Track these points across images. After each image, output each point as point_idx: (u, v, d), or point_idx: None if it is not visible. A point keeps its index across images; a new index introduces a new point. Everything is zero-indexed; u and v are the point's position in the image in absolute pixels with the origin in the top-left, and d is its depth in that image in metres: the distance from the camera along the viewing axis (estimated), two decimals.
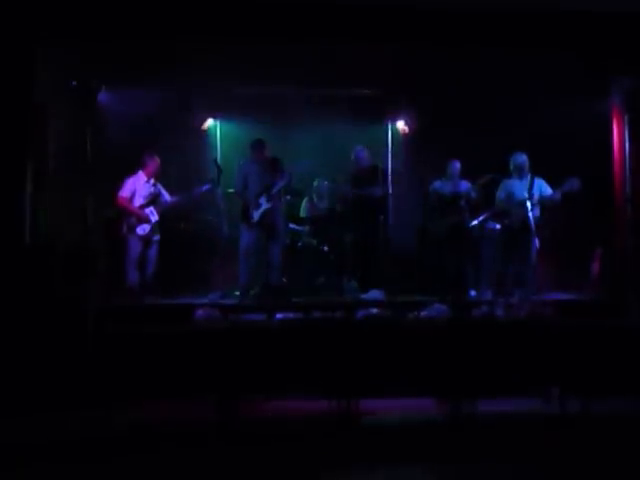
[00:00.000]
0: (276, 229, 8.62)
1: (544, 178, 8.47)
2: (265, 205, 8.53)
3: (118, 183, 8.54)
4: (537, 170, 8.50)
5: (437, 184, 9.11)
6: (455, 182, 9.05)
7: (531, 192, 8.32)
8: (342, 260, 8.78)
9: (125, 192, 8.48)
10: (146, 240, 8.48)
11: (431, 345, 6.22)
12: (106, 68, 8.27)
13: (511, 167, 8.58)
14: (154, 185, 8.61)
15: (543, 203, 8.33)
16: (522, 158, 8.52)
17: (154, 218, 8.49)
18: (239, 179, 8.74)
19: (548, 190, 8.39)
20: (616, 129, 8.76)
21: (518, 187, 8.48)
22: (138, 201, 8.51)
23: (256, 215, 8.53)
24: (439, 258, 8.92)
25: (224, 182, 8.86)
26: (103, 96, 8.83)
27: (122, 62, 8.15)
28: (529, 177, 8.47)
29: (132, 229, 8.42)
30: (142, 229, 8.44)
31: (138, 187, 8.55)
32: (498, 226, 8.60)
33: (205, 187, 8.64)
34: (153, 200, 8.55)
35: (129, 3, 7.44)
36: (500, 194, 8.65)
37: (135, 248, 8.44)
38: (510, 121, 8.98)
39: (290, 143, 9.16)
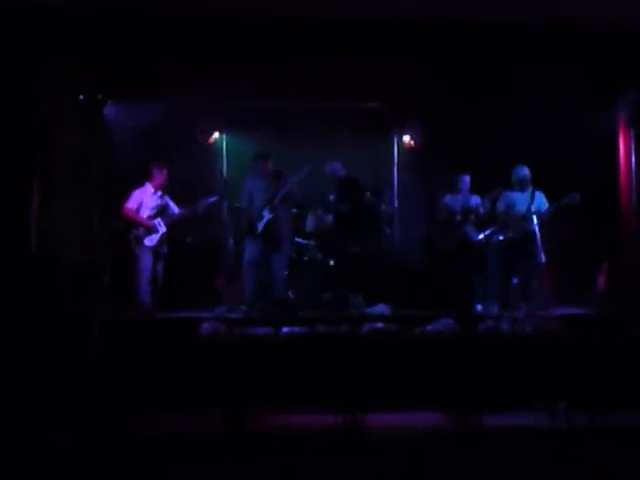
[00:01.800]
0: (279, 241, 8.62)
1: (550, 191, 8.48)
2: (267, 216, 8.54)
3: (124, 196, 8.54)
4: (543, 183, 8.52)
5: (447, 198, 9.12)
6: (465, 196, 9.06)
7: (531, 205, 8.35)
8: (348, 274, 8.77)
9: (131, 203, 8.47)
10: (155, 252, 8.47)
11: (437, 359, 6.23)
12: (112, 82, 8.34)
13: (513, 180, 8.61)
14: (161, 197, 8.61)
15: (541, 217, 8.34)
16: (524, 171, 8.54)
17: (162, 229, 8.49)
18: (244, 194, 8.78)
19: (545, 205, 8.44)
20: (622, 142, 8.79)
21: (519, 200, 8.53)
22: (145, 213, 8.48)
23: (259, 227, 8.56)
24: (446, 272, 8.94)
25: (230, 196, 8.91)
26: (109, 110, 8.91)
27: (128, 77, 8.21)
28: (530, 190, 8.49)
29: (140, 240, 8.40)
30: (150, 240, 8.43)
31: (145, 199, 8.54)
32: (502, 237, 8.60)
33: (211, 199, 8.65)
34: (160, 211, 8.55)
35: (135, 19, 7.50)
36: (500, 206, 8.69)
37: (147, 262, 8.40)
38: (517, 134, 9.01)
39: (295, 157, 9.17)
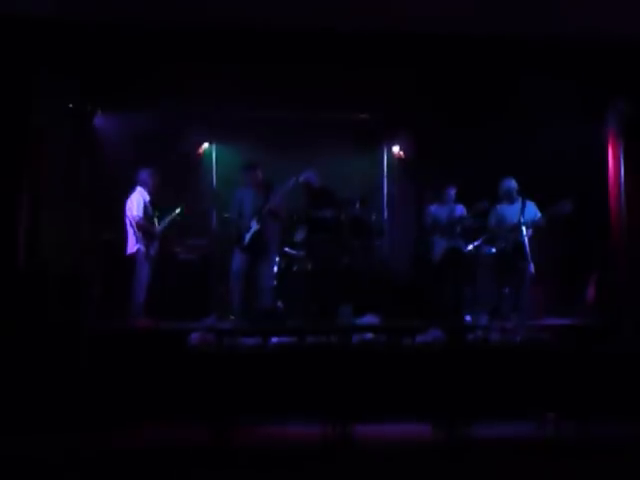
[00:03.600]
0: (266, 251, 8.63)
1: (539, 203, 8.52)
2: (255, 227, 8.55)
3: (113, 205, 8.52)
4: (532, 195, 8.55)
5: (433, 208, 9.17)
6: (451, 207, 9.11)
7: (522, 216, 8.35)
8: (337, 284, 8.78)
9: (140, 211, 8.40)
10: (152, 262, 8.45)
11: (426, 370, 6.25)
12: (102, 93, 8.34)
13: (500, 192, 8.67)
14: (152, 203, 8.59)
15: (535, 226, 8.38)
16: (510, 184, 8.61)
17: (160, 237, 8.50)
18: (234, 205, 8.79)
19: (537, 214, 8.46)
20: (612, 155, 8.82)
21: (509, 212, 8.58)
22: (148, 220, 8.47)
23: (246, 237, 8.57)
24: (435, 283, 8.96)
25: (220, 207, 8.91)
26: (99, 120, 8.90)
27: (118, 87, 8.21)
28: (520, 201, 8.52)
29: (148, 251, 8.36)
30: (153, 249, 8.44)
31: (146, 205, 8.51)
32: (494, 249, 8.64)
33: (168, 219, 8.62)
34: (155, 219, 8.55)
35: (126, 31, 7.53)
36: (491, 219, 8.74)
37: (147, 272, 8.39)
38: (507, 146, 9.06)
39: (285, 167, 9.17)
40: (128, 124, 8.97)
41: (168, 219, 8.63)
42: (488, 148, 9.21)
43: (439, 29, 7.76)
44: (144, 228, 8.39)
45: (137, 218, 8.38)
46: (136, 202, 8.44)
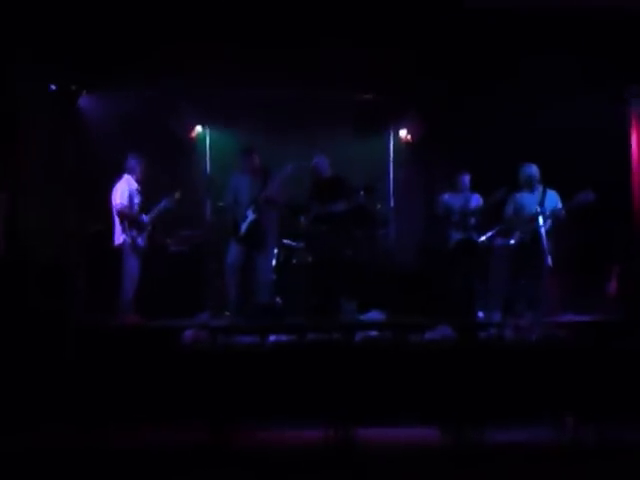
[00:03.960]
0: (263, 242, 8.63)
1: (558, 190, 8.52)
2: (251, 216, 8.55)
3: (101, 193, 8.53)
4: (551, 181, 8.55)
5: (446, 197, 9.16)
6: (465, 195, 9.09)
7: (543, 205, 8.36)
8: (340, 278, 8.79)
9: (124, 198, 8.41)
10: (142, 254, 8.46)
11: (435, 370, 6.24)
12: (87, 72, 8.34)
13: (520, 179, 8.62)
14: (141, 192, 8.59)
15: (554, 217, 8.38)
16: (532, 169, 8.56)
17: (150, 228, 8.51)
18: (229, 193, 8.78)
19: (558, 204, 8.46)
20: (635, 138, 8.81)
21: (528, 201, 8.54)
22: (134, 209, 8.47)
23: (242, 227, 8.56)
24: (445, 276, 8.99)
25: (214, 194, 8.91)
26: (84, 101, 8.90)
27: (105, 66, 8.21)
28: (540, 189, 8.52)
29: (135, 242, 8.39)
30: (141, 240, 8.45)
31: (132, 193, 8.50)
32: (513, 241, 8.62)
33: (161, 204, 8.60)
34: (144, 208, 8.55)
35: (112, 5, 7.51)
36: (509, 209, 8.70)
37: (136, 266, 8.41)
38: (523, 130, 9.04)
39: (285, 152, 9.18)
40: (115, 105, 8.98)
41: (159, 208, 8.60)
42: (504, 131, 9.18)
43: (450, 2, 7.74)
44: (128, 217, 8.39)
45: (119, 206, 8.38)
46: (120, 190, 8.44)
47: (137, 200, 8.50)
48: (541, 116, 9.01)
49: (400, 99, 9.67)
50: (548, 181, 8.54)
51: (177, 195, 8.58)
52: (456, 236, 9.01)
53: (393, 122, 10.29)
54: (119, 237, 8.39)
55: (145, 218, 8.50)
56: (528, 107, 9.04)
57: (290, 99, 9.42)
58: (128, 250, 8.38)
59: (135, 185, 8.54)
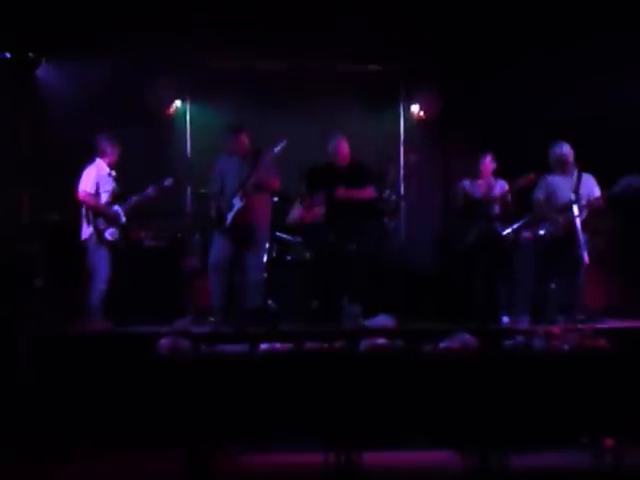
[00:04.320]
0: (254, 235, 8.58)
1: (595, 174, 8.50)
2: (238, 205, 8.50)
3: (63, 179, 8.50)
4: (588, 165, 8.51)
5: (466, 184, 9.11)
6: (488, 182, 9.07)
7: (578, 192, 8.34)
8: (342, 278, 8.78)
9: (89, 186, 8.36)
10: (114, 249, 8.43)
11: (453, 384, 6.23)
12: (47, 37, 8.30)
13: (551, 160, 8.57)
14: (115, 178, 8.55)
15: (591, 206, 8.38)
16: (563, 148, 8.50)
17: (123, 219, 8.48)
18: (215, 178, 8.73)
19: (595, 190, 8.44)
20: None
21: (562, 186, 8.51)
22: (103, 198, 8.43)
23: (228, 218, 8.52)
24: (464, 276, 8.98)
25: (196, 180, 8.89)
26: (43, 71, 8.87)
27: (67, 30, 8.18)
28: (575, 173, 8.50)
29: (101, 234, 8.37)
30: (111, 233, 8.39)
31: (102, 180, 8.47)
32: (542, 231, 8.60)
33: (166, 182, 8.60)
34: (117, 197, 8.53)
35: None
36: (539, 195, 8.65)
37: (106, 263, 8.37)
38: (556, 105, 9.03)
39: (278, 131, 9.13)
40: (80, 77, 8.97)
41: (141, 196, 8.59)
42: (534, 107, 9.16)
43: None
44: (93, 207, 8.37)
45: (82, 194, 8.36)
46: (86, 175, 8.42)
47: (108, 187, 8.48)
48: (578, 89, 8.99)
49: (412, 69, 9.64)
50: (583, 164, 8.50)
51: (168, 182, 8.56)
52: (477, 229, 8.97)
53: (404, 96, 10.27)
54: (85, 230, 8.37)
55: (118, 208, 8.45)
56: (563, 79, 9.02)
57: (283, 69, 9.40)
58: (94, 245, 8.36)
59: (106, 170, 8.51)
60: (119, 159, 8.64)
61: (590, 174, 8.49)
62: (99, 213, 8.35)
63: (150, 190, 8.57)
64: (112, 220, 8.38)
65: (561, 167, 8.53)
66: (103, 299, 8.34)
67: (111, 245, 8.39)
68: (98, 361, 6.43)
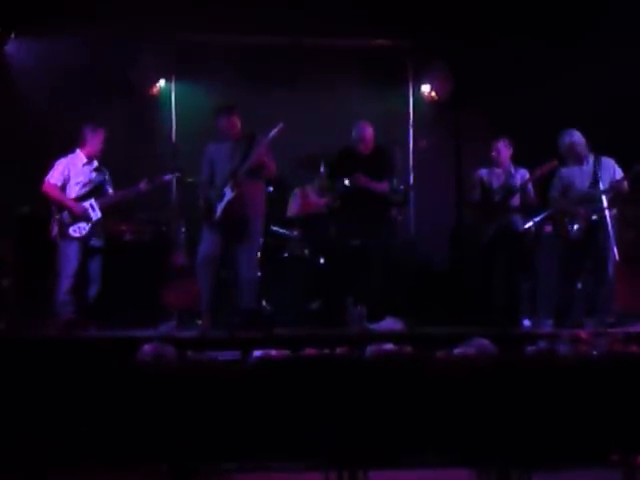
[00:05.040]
0: (247, 229, 8.54)
1: (617, 157, 8.49)
2: (229, 195, 8.45)
3: (35, 167, 8.49)
4: (609, 149, 8.51)
5: (483, 173, 9.10)
6: (507, 171, 9.03)
7: (597, 180, 8.32)
8: (345, 276, 8.76)
9: (55, 177, 8.40)
10: (85, 246, 8.43)
11: (468, 395, 6.19)
12: (17, 10, 8.29)
13: (562, 152, 8.57)
14: (98, 169, 8.56)
15: (615, 191, 8.35)
16: (573, 136, 8.49)
17: (95, 215, 8.45)
18: (204, 165, 8.69)
19: (617, 173, 8.43)
20: None
21: (578, 176, 8.53)
22: (74, 191, 8.45)
23: (218, 210, 8.48)
24: (481, 274, 8.97)
25: (182, 167, 8.87)
26: (12, 47, 8.84)
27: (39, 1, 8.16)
28: (592, 160, 8.48)
29: (64, 230, 8.36)
30: (77, 229, 8.39)
31: (74, 171, 8.48)
32: (576, 226, 8.55)
33: (166, 177, 8.59)
34: (95, 190, 8.50)
35: None
36: (553, 192, 8.68)
37: (72, 258, 8.37)
38: (580, 87, 9.06)
39: (275, 113, 9.09)
40: (54, 54, 8.96)
41: (122, 192, 8.62)
42: (554, 89, 9.15)
43: None
44: (57, 201, 8.40)
45: (45, 185, 8.41)
46: (55, 166, 8.45)
47: (83, 179, 8.50)
48: (599, 72, 9.00)
49: (421, 45, 9.63)
50: (605, 150, 8.50)
51: (168, 178, 8.67)
52: (495, 222, 8.94)
53: (412, 75, 10.26)
54: (53, 225, 8.41)
55: (90, 203, 8.42)
56: (586, 59, 9.03)
57: (279, 44, 9.37)
58: (60, 241, 8.39)
59: (83, 161, 8.51)
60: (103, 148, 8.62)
61: (609, 157, 8.49)
62: (64, 207, 8.35)
63: (142, 185, 8.56)
64: (79, 216, 8.36)
65: (574, 157, 8.55)
66: (71, 299, 8.33)
67: (79, 242, 8.37)
68: (72, 368, 6.36)
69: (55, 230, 8.40)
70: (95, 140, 8.53)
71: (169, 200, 9.68)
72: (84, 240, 8.41)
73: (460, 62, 9.61)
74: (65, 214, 8.37)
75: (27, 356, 6.58)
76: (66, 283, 8.34)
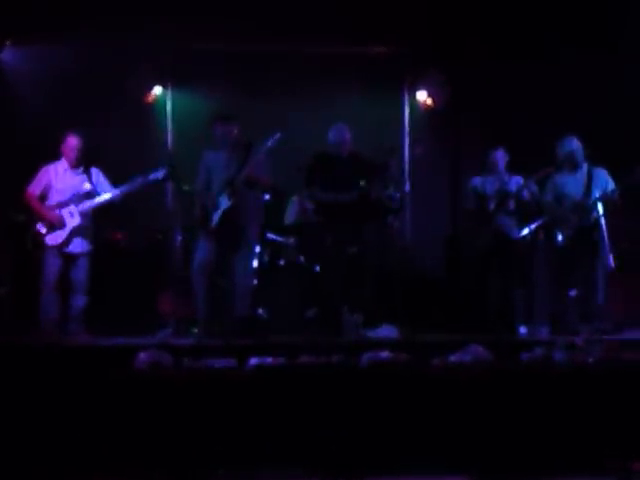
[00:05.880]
0: (242, 237, 8.54)
1: (611, 169, 8.50)
2: (225, 204, 8.46)
3: (31, 174, 8.47)
4: (602, 158, 8.52)
5: (477, 180, 9.10)
6: (501, 178, 9.04)
7: (590, 189, 8.38)
8: (341, 283, 8.75)
9: (33, 186, 8.41)
10: (64, 254, 8.41)
11: (465, 403, 6.21)
12: (12, 17, 8.30)
13: (560, 158, 8.59)
14: (85, 174, 8.50)
15: (607, 202, 8.37)
16: (573, 144, 8.53)
17: (72, 222, 8.40)
18: (200, 173, 8.69)
19: (609, 184, 8.46)
20: None
21: (571, 184, 8.56)
22: (55, 198, 8.43)
23: (214, 218, 8.49)
24: (476, 281, 8.98)
25: (178, 175, 8.85)
26: (8, 54, 8.85)
27: (35, 9, 8.16)
28: (585, 168, 8.53)
29: (40, 239, 8.34)
30: (52, 238, 8.37)
31: (55, 179, 8.46)
32: (560, 237, 8.59)
33: (156, 175, 8.55)
34: (79, 196, 8.48)
35: None
36: (547, 195, 8.71)
37: (51, 265, 8.37)
38: (573, 95, 9.09)
39: (271, 121, 9.11)
40: (50, 61, 8.95)
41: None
42: (548, 97, 9.18)
43: None
44: (34, 210, 8.39)
45: (25, 194, 8.41)
46: (38, 174, 8.45)
47: (62, 186, 8.45)
48: (595, 80, 9.02)
49: (417, 52, 9.64)
50: (599, 159, 8.53)
51: (159, 175, 8.55)
52: (490, 229, 8.95)
53: (409, 82, 10.28)
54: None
55: (66, 211, 8.39)
56: (580, 68, 9.04)
57: (276, 52, 9.39)
58: (35, 251, 8.40)
59: (65, 167, 8.50)
60: (93, 153, 8.59)
61: (601, 167, 8.52)
62: (39, 216, 8.35)
63: (138, 181, 8.53)
64: (55, 223, 8.35)
65: (570, 164, 8.59)
66: (62, 309, 8.34)
67: (57, 250, 8.36)
68: (68, 376, 6.36)
69: (29, 241, 8.40)
70: (74, 148, 8.47)
71: (165, 208, 9.66)
72: (60, 248, 8.39)
73: (456, 70, 9.64)
74: (40, 224, 8.35)
75: (23, 364, 6.57)
76: (46, 291, 8.34)
